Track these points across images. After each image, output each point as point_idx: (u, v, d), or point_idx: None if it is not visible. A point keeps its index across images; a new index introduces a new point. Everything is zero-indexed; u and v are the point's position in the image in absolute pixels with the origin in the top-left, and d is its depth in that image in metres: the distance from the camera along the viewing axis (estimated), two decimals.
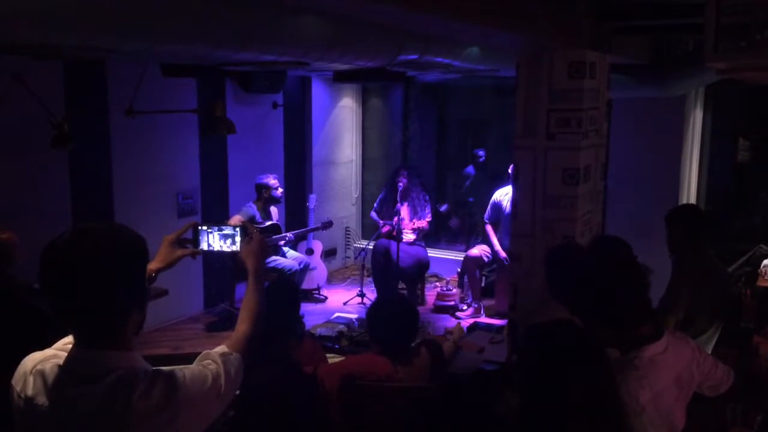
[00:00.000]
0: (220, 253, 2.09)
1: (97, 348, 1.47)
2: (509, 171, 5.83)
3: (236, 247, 2.00)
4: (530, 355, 1.88)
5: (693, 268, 3.38)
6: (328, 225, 6.67)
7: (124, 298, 1.48)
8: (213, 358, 1.62)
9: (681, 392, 2.29)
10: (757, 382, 2.76)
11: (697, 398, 2.38)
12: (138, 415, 1.40)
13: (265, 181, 6.04)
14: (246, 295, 1.88)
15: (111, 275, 1.43)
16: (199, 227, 1.99)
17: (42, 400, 1.46)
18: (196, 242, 1.99)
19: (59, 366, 1.49)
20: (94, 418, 1.41)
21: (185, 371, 1.52)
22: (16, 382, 1.52)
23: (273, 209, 6.21)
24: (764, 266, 4.95)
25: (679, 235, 3.53)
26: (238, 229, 2.02)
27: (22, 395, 1.49)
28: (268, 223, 6.08)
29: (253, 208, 6.00)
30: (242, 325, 1.79)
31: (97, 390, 1.42)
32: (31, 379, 1.49)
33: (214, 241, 2.01)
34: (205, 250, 2.02)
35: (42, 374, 1.49)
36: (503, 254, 5.86)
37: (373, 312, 3.20)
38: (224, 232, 2.02)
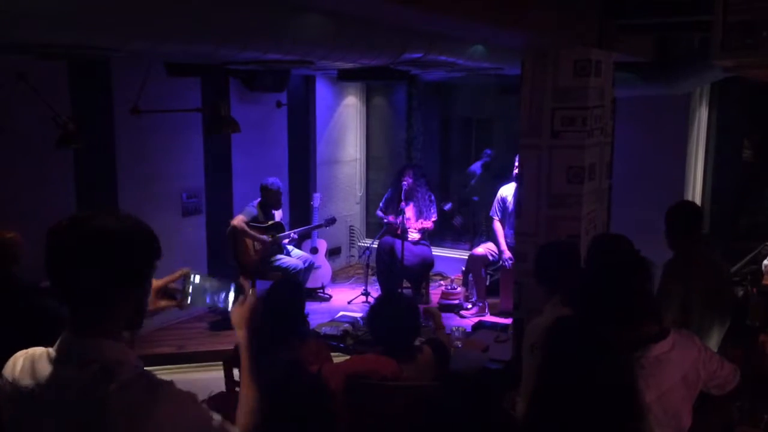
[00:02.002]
0: (211, 307, 1.91)
1: (86, 335, 1.48)
2: (516, 165, 5.82)
3: (228, 305, 1.84)
4: (550, 351, 1.86)
5: (685, 265, 3.35)
6: (331, 222, 6.66)
7: (116, 286, 1.48)
8: (217, 420, 1.53)
9: (687, 391, 2.28)
10: (764, 380, 2.75)
11: (704, 397, 2.37)
12: (115, 405, 1.39)
13: (265, 183, 6.03)
14: (241, 389, 1.75)
15: (104, 260, 1.45)
16: (191, 275, 1.83)
17: (27, 381, 1.47)
18: (185, 293, 1.82)
19: (47, 351, 1.51)
20: (74, 403, 1.42)
21: (177, 387, 1.48)
22: (6, 370, 1.53)
23: (275, 211, 6.20)
24: (765, 266, 4.93)
25: (672, 231, 3.51)
26: (232, 284, 1.86)
27: (9, 378, 1.51)
28: (271, 222, 6.08)
29: (255, 209, 6.00)
30: (241, 420, 1.68)
31: (81, 376, 1.42)
32: (20, 362, 1.52)
33: (205, 294, 1.84)
34: (193, 304, 1.83)
35: (31, 358, 1.51)
36: (508, 254, 5.85)
37: (373, 312, 3.20)
38: (217, 286, 1.85)
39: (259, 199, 6.06)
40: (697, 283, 3.27)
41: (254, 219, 5.95)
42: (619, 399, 1.76)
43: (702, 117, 6.07)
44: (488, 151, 7.63)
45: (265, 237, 5.93)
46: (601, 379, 1.76)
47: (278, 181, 6.09)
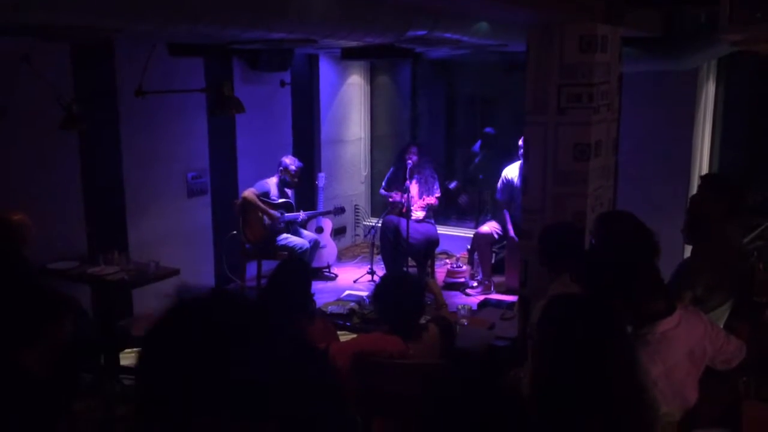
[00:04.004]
0: None
1: None
2: (520, 143, 5.80)
3: None
4: (551, 330, 1.87)
5: (720, 244, 3.30)
6: (339, 211, 6.69)
7: None
8: None
9: (693, 367, 2.29)
10: None
11: (710, 372, 2.38)
12: None
13: (285, 162, 6.06)
14: None
15: None
16: None
17: None
18: None
19: None
20: None
21: None
22: None
23: (288, 190, 6.23)
24: None
25: (720, 207, 3.30)
26: None
27: None
28: (281, 200, 6.10)
29: (268, 185, 6.04)
30: None
31: None
32: None
33: None
34: None
35: None
36: (517, 240, 5.84)
37: (379, 291, 3.21)
38: None
39: (275, 177, 6.10)
40: (723, 262, 3.23)
41: (265, 194, 5.99)
42: (618, 375, 1.77)
43: (709, 92, 6.02)
44: (488, 130, 7.58)
45: (275, 212, 5.98)
46: (598, 356, 1.76)
47: (298, 160, 6.12)
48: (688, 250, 3.80)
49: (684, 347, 2.26)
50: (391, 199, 6.47)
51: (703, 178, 3.59)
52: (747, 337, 2.71)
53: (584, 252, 3.25)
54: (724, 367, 2.43)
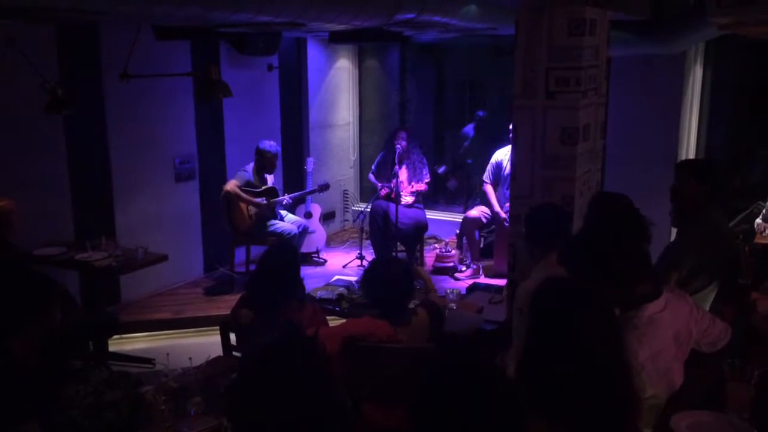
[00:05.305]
0: None
1: None
2: (510, 127, 5.80)
3: None
4: (540, 312, 1.87)
5: (705, 227, 3.33)
6: (325, 187, 6.64)
7: None
8: None
9: (679, 350, 2.31)
10: (755, 337, 2.79)
11: (695, 354, 2.40)
12: None
13: (260, 146, 5.99)
14: None
15: None
16: None
17: None
18: None
19: None
20: None
21: None
22: None
23: (268, 175, 6.16)
24: (757, 225, 4.97)
25: (704, 192, 3.36)
26: None
27: None
28: (265, 187, 6.05)
29: (249, 173, 5.96)
30: None
31: None
32: None
33: None
34: None
35: None
36: (503, 214, 5.86)
37: (367, 275, 3.21)
38: None
39: (252, 163, 6.01)
40: (707, 245, 3.26)
41: (248, 183, 5.92)
42: (606, 358, 1.78)
43: (696, 76, 6.04)
44: (480, 113, 7.59)
45: (260, 200, 5.92)
46: (588, 338, 1.77)
47: (275, 144, 6.05)
48: (674, 234, 3.84)
49: (670, 330, 2.27)
50: (379, 186, 6.45)
51: (677, 166, 3.63)
52: (732, 319, 2.74)
53: (571, 234, 3.26)
54: (709, 349, 2.46)
